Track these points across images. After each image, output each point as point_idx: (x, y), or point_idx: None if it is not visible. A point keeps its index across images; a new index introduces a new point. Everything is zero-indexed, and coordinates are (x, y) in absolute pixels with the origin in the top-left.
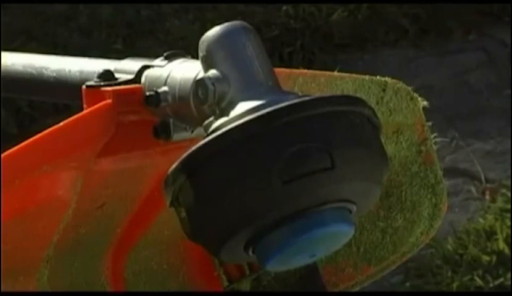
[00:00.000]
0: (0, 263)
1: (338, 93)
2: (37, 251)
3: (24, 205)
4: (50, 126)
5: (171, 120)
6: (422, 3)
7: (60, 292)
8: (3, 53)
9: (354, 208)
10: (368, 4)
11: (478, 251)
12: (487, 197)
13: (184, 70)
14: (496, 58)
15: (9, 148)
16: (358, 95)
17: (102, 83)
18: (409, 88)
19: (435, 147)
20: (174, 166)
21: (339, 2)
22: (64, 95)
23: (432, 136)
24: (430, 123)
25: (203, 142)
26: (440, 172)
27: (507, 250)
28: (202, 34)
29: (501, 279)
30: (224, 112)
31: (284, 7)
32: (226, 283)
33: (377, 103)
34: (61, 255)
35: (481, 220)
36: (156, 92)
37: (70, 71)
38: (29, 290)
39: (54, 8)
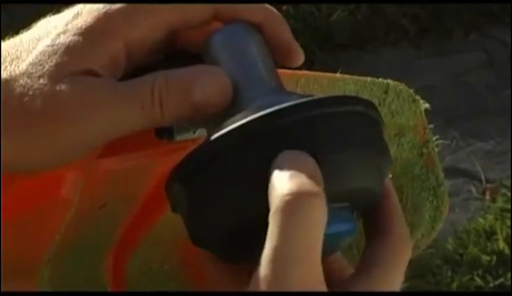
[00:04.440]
0: (0, 262)
1: (340, 93)
2: (38, 252)
3: (25, 205)
4: None
5: None
6: (422, 3)
7: (60, 292)
8: None
9: (355, 208)
10: (368, 4)
11: (478, 251)
12: (487, 197)
13: None
14: (496, 58)
15: None
16: (360, 96)
17: None
18: (411, 90)
19: (436, 149)
20: (169, 173)
21: (339, 2)
22: None
23: (434, 138)
24: (431, 125)
25: (194, 148)
26: (441, 175)
27: (507, 250)
28: None
29: (501, 279)
30: (226, 113)
31: (284, 7)
32: None
33: (379, 105)
34: (62, 255)
35: (481, 220)
36: None
37: None
38: (29, 290)
39: (54, 9)
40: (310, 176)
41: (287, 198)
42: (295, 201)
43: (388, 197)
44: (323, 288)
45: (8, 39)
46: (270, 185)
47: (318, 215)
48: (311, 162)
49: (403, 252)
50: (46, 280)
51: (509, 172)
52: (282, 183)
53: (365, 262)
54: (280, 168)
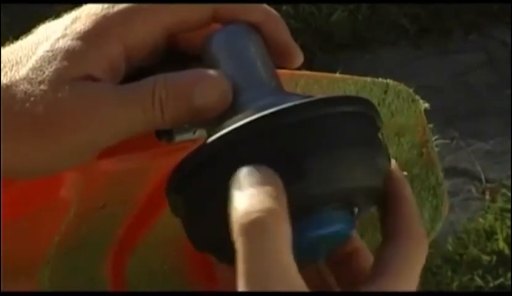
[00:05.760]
0: (0, 263)
1: (339, 94)
2: (38, 252)
3: (25, 205)
4: None
5: None
6: (422, 3)
7: (60, 292)
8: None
9: (355, 209)
10: (368, 4)
11: (478, 251)
12: (487, 197)
13: None
14: (496, 58)
15: None
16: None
17: None
18: (411, 90)
19: (436, 149)
20: (167, 178)
21: (339, 2)
22: None
23: (433, 138)
24: (431, 125)
25: (192, 151)
26: (441, 175)
27: (507, 250)
28: None
29: (501, 279)
30: (225, 114)
31: (284, 7)
32: None
33: (379, 105)
34: (62, 255)
35: (481, 220)
36: None
37: None
38: (29, 290)
39: (54, 8)
40: (267, 192)
41: (244, 220)
42: (253, 222)
43: (403, 195)
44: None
45: (9, 44)
46: (231, 207)
47: (279, 230)
48: (268, 175)
49: (417, 253)
50: (46, 280)
51: (509, 172)
52: (239, 204)
53: (378, 264)
54: (238, 188)
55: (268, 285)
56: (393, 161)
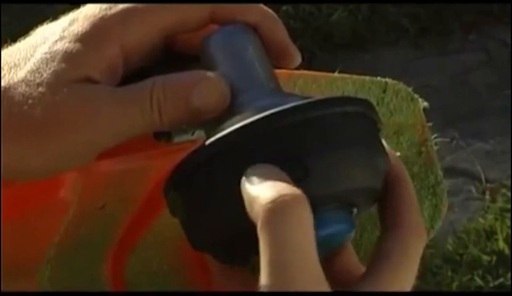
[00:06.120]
0: (0, 263)
1: (338, 94)
2: (37, 252)
3: (25, 206)
4: None
5: None
6: (422, 3)
7: (60, 292)
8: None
9: (355, 209)
10: (368, 4)
11: (478, 251)
12: (487, 197)
13: None
14: (496, 58)
15: None
16: (358, 96)
17: None
18: (410, 89)
19: (435, 148)
20: (165, 179)
21: (339, 2)
22: None
23: (433, 137)
24: (430, 124)
25: (190, 152)
26: (441, 173)
27: (507, 250)
28: None
29: (501, 279)
30: (224, 115)
31: (284, 7)
32: None
33: (378, 104)
34: (62, 256)
35: (481, 220)
36: None
37: None
38: (29, 290)
39: (54, 8)
40: (286, 182)
41: (270, 206)
42: (280, 208)
43: (402, 186)
44: (326, 287)
45: (7, 46)
46: (248, 200)
47: (305, 215)
48: (278, 171)
49: (414, 245)
50: (46, 280)
51: (509, 172)
52: (262, 193)
53: (376, 257)
54: (254, 182)
55: (290, 275)
56: (394, 153)
